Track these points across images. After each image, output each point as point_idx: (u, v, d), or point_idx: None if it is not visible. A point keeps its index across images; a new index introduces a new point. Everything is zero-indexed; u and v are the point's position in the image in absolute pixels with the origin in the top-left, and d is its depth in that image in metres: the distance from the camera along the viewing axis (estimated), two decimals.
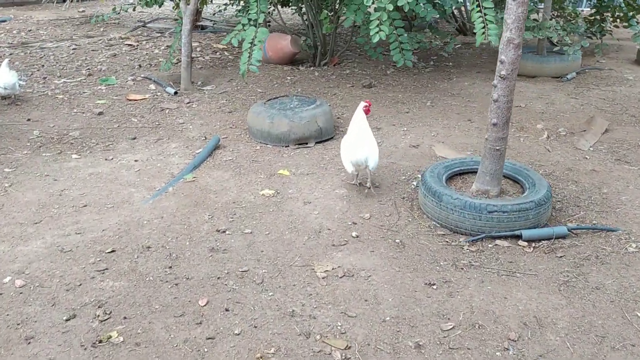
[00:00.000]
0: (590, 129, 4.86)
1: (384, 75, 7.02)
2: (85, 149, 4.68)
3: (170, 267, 3.01)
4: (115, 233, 3.36)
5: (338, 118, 5.35)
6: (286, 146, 4.72)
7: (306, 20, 7.76)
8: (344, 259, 3.08)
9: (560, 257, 3.10)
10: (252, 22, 5.27)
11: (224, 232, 3.38)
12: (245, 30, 5.22)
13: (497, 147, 3.48)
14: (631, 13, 7.18)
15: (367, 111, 3.82)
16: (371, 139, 3.77)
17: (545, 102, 5.77)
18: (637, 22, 7.06)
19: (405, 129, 5.10)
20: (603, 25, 7.80)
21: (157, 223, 3.48)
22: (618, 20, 7.54)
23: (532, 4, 7.15)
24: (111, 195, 3.85)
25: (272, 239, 3.31)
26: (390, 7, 4.70)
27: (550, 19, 6.84)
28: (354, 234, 3.34)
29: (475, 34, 4.67)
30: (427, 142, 4.76)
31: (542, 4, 7.07)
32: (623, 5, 7.25)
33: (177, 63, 7.11)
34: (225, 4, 9.12)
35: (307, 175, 4.17)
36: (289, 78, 6.86)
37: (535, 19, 7.08)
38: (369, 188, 3.83)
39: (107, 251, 3.16)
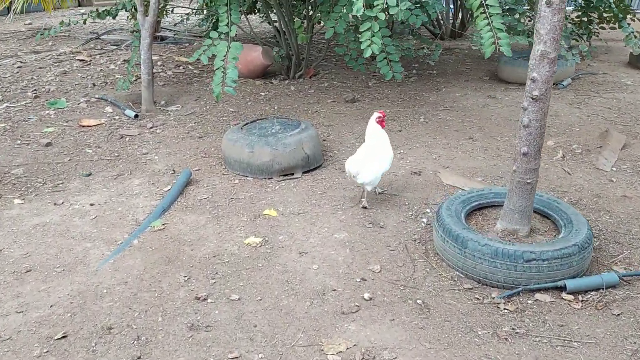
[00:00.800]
0: (607, 145, 4.42)
1: (366, 87, 6.48)
2: (30, 190, 3.97)
3: (139, 358, 2.37)
4: (66, 309, 2.69)
5: (324, 140, 4.77)
6: (269, 178, 4.11)
7: (278, 28, 7.17)
8: (360, 333, 2.50)
9: (618, 315, 2.59)
10: (223, 36, 4.65)
11: (205, 299, 2.76)
12: (215, 45, 4.60)
13: (528, 180, 2.96)
14: (621, 14, 6.84)
15: (381, 123, 3.63)
16: (372, 158, 3.55)
17: (550, 113, 5.31)
18: (628, 24, 6.72)
19: (401, 151, 4.55)
20: (590, 27, 7.46)
21: (120, 291, 2.83)
22: (605, 21, 7.21)
23: (520, 6, 6.74)
24: (61, 253, 3.18)
25: (266, 306, 2.70)
26: (382, 16, 4.16)
27: None
28: (366, 295, 2.75)
29: (462, 38, 4.21)
30: (429, 167, 4.23)
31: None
32: (613, 5, 6.89)
33: (136, 80, 6.41)
34: (188, 14, 8.45)
35: (298, 215, 3.57)
36: (263, 94, 6.25)
37: (520, 21, 6.67)
38: (364, 207, 3.65)
39: (56, 337, 2.50)
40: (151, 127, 5.20)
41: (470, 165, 4.24)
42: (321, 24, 6.99)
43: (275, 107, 5.76)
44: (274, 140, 4.09)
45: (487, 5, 3.97)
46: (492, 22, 3.97)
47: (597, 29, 7.50)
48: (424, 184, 3.96)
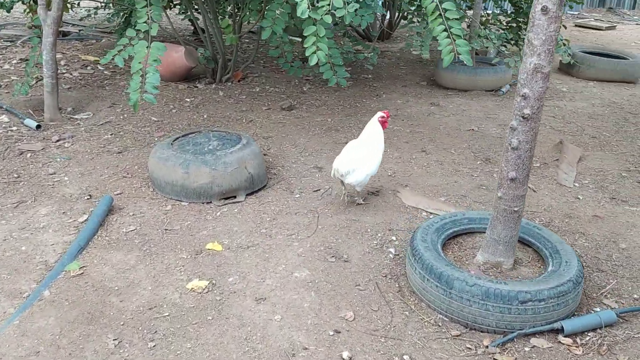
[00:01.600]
0: (564, 158, 4.29)
1: (302, 93, 6.06)
2: None
3: None
4: None
5: (265, 155, 4.29)
6: (208, 202, 3.58)
7: (202, 27, 6.58)
8: None
9: None
10: (141, 35, 4.03)
11: None
12: (133, 45, 3.98)
13: (515, 208, 2.67)
14: None
15: (383, 124, 3.57)
16: (364, 157, 3.46)
17: (497, 123, 5.17)
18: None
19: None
20: (520, 33, 7.50)
21: None
22: None
23: (459, 10, 6.59)
24: None
25: None
26: (329, 19, 3.75)
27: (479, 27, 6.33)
28: (344, 354, 2.33)
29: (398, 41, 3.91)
30: (386, 185, 3.88)
31: (471, 10, 6.56)
32: None
33: (36, 83, 5.57)
34: (97, 7, 7.61)
35: (248, 249, 3.08)
36: (188, 100, 5.65)
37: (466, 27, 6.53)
38: (359, 203, 3.62)
39: None
40: (58, 141, 4.47)
41: (430, 182, 3.93)
42: (249, 23, 6.50)
43: (205, 116, 5.19)
44: (212, 158, 3.56)
45: (444, 9, 3.67)
46: (449, 28, 3.68)
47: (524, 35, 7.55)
48: (384, 205, 3.60)
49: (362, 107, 5.62)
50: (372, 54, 6.13)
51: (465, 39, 3.71)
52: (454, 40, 3.65)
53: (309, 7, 3.61)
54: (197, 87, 6.16)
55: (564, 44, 6.84)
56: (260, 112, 5.35)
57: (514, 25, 7.46)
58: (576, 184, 3.95)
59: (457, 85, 6.31)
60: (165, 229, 3.27)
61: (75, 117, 5.05)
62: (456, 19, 3.72)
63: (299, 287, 2.75)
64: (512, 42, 7.40)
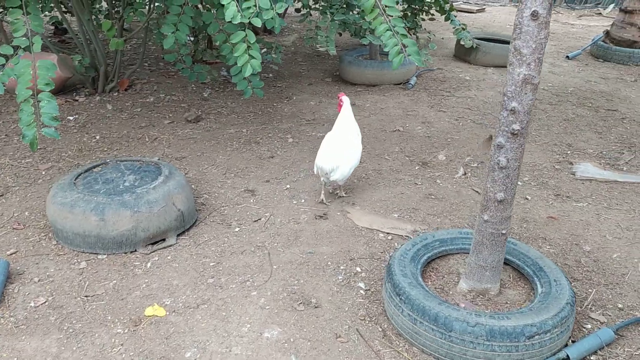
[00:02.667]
0: None
1: (203, 100, 5.51)
2: None
3: None
4: None
5: None
6: (132, 251, 3.02)
7: (76, 30, 5.74)
8: None
9: None
10: (21, 52, 3.30)
11: None
12: (13, 65, 3.24)
13: (503, 231, 2.48)
14: (448, 5, 6.93)
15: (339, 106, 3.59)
16: (345, 149, 3.41)
17: (420, 120, 5.03)
18: (455, 16, 6.85)
19: (288, 186, 3.79)
20: (416, 19, 7.49)
21: None
22: (426, 13, 7.27)
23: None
24: None
25: None
26: (258, 22, 3.31)
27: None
28: None
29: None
30: (332, 205, 3.55)
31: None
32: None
33: None
34: None
35: (198, 308, 2.60)
36: (71, 118, 4.88)
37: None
38: (340, 196, 3.63)
39: None
40: None
41: (375, 197, 3.67)
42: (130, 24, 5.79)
43: (97, 137, 4.49)
44: (132, 198, 2.99)
45: (384, 6, 3.39)
46: (393, 26, 3.41)
47: (420, 22, 7.56)
48: (337, 231, 3.27)
49: (275, 112, 5.21)
50: (276, 53, 5.72)
51: (411, 38, 3.47)
52: (401, 40, 3.39)
53: (238, 11, 3.13)
54: (77, 100, 5.36)
55: (463, 29, 6.92)
56: (163, 127, 4.75)
57: (409, 13, 7.44)
58: (519, 183, 3.90)
59: (364, 81, 6.12)
60: (86, 296, 2.67)
61: None
62: (398, 16, 3.46)
63: (275, 352, 2.35)
64: (412, 30, 7.39)
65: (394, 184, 3.85)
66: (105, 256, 2.97)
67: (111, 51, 5.65)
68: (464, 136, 4.67)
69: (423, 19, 7.43)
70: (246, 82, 4.43)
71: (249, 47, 3.47)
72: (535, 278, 2.65)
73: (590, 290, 2.81)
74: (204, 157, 4.21)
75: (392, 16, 3.42)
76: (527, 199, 3.67)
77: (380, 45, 6.19)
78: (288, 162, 4.15)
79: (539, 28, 2.14)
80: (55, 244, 3.07)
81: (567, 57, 7.83)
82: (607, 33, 8.10)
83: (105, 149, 4.28)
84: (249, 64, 3.45)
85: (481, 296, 2.60)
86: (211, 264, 2.94)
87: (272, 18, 3.42)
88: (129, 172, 3.29)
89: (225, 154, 4.27)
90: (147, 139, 4.50)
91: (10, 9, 3.38)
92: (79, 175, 3.26)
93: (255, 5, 3.34)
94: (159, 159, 4.11)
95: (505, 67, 6.71)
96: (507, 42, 7.36)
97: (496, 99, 5.73)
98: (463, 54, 7.28)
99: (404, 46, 3.42)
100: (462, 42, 6.77)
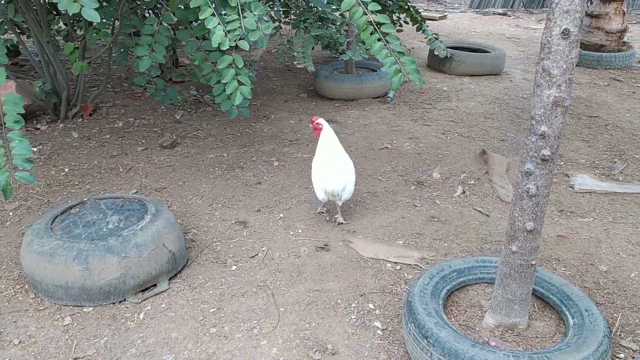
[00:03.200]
0: (493, 170, 4.14)
1: (176, 123, 5.23)
2: None
3: None
4: None
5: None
6: (122, 301, 2.75)
7: (34, 52, 5.38)
8: None
9: None
10: None
11: None
12: None
13: (533, 262, 2.35)
14: (419, 16, 6.87)
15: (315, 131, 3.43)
16: (344, 166, 3.39)
17: (406, 136, 4.89)
18: (427, 26, 6.79)
19: (281, 215, 3.58)
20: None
21: None
22: (394, 24, 7.21)
23: (332, 14, 6.23)
24: None
25: None
26: (245, 45, 3.11)
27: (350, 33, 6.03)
28: None
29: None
30: (332, 235, 3.35)
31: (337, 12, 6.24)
32: (411, 10, 6.86)
33: None
34: None
35: None
36: (35, 150, 4.53)
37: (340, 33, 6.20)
38: (339, 223, 3.48)
39: None
40: None
41: (376, 222, 3.49)
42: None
43: (66, 170, 4.17)
44: (118, 242, 2.72)
45: (377, 23, 3.23)
46: (389, 45, 3.26)
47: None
48: (341, 263, 3.08)
49: (254, 133, 4.99)
50: (252, 70, 5.50)
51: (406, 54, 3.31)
52: (399, 59, 3.24)
53: (225, 35, 2.92)
54: (38, 129, 5.01)
55: (436, 38, 6.86)
56: (137, 155, 4.46)
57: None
58: None
59: (342, 95, 5.97)
60: (76, 358, 2.39)
61: None
62: (392, 32, 3.32)
63: None
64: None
65: (393, 207, 3.68)
66: (91, 308, 2.69)
67: (72, 74, 5.32)
68: (455, 151, 4.56)
69: (400, 30, 7.36)
70: (230, 102, 4.22)
71: (237, 73, 3.26)
72: (564, 308, 2.51)
73: (615, 315, 2.70)
74: (186, 186, 3.95)
75: (387, 33, 3.27)
76: None
77: (353, 58, 6.08)
78: (277, 188, 3.93)
79: (570, 47, 2.01)
80: (34, 297, 2.77)
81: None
82: None
83: (76, 183, 3.98)
84: (239, 91, 3.24)
85: (510, 331, 2.45)
86: (211, 310, 2.70)
87: (259, 39, 3.24)
88: (111, 211, 3.02)
89: (209, 182, 4.02)
90: (121, 169, 4.21)
91: None
92: (55, 218, 2.97)
93: (240, 27, 3.14)
94: (137, 192, 3.85)
95: (480, 75, 6.71)
96: (480, 51, 7.37)
97: (478, 109, 5.66)
98: (437, 63, 7.23)
99: (402, 64, 3.27)
100: (436, 52, 6.73)
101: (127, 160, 4.37)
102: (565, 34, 1.98)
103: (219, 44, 2.98)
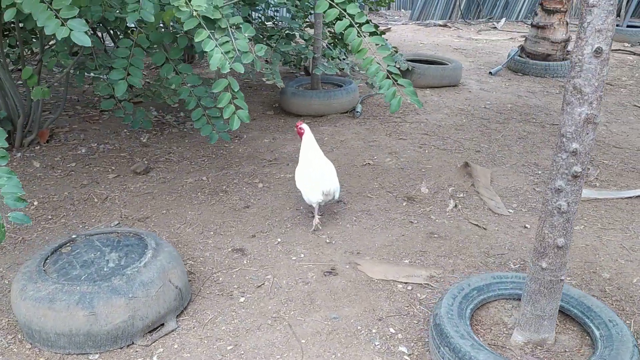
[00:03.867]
0: (478, 182, 4.20)
1: (144, 146, 5.02)
2: None
3: None
4: None
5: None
6: (129, 345, 2.57)
7: None
8: None
9: None
10: None
11: None
12: None
13: (562, 277, 2.37)
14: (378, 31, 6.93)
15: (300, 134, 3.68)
16: (327, 166, 3.60)
17: (386, 151, 4.90)
18: (387, 40, 6.86)
19: (279, 239, 3.48)
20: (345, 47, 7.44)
21: None
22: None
23: (299, 29, 6.19)
24: None
25: None
26: (240, 68, 3.01)
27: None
28: None
29: None
30: (337, 259, 3.28)
31: (312, 29, 6.22)
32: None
33: None
34: None
35: None
36: None
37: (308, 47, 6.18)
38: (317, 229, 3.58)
39: None
40: None
41: (377, 242, 3.45)
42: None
43: (35, 204, 3.90)
44: (123, 281, 2.55)
45: (369, 43, 3.21)
46: (385, 67, 3.25)
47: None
48: (352, 287, 3.01)
49: (230, 154, 4.85)
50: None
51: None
52: (396, 81, 3.23)
53: (225, 58, 2.81)
54: None
55: (396, 52, 6.95)
56: (109, 184, 4.23)
57: (337, 40, 7.36)
58: (510, 210, 3.87)
59: (310, 112, 5.92)
60: None
61: None
62: (388, 53, 3.31)
63: None
64: (341, 55, 7.30)
65: (390, 225, 3.66)
66: (97, 355, 2.50)
67: (25, 99, 5.00)
68: (436, 165, 4.60)
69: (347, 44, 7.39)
70: (210, 126, 4.11)
71: (233, 97, 3.16)
72: (587, 319, 2.55)
73: (628, 322, 2.77)
74: (171, 214, 3.78)
75: (381, 53, 3.26)
76: (526, 227, 3.64)
77: (321, 74, 6.07)
78: (267, 212, 3.83)
79: (602, 65, 2.05)
80: (30, 347, 2.54)
81: (490, 72, 8.15)
82: (522, 48, 8.55)
83: (50, 217, 3.72)
84: (236, 116, 3.14)
85: (539, 347, 2.47)
86: (228, 347, 2.56)
87: (255, 61, 3.16)
88: (108, 248, 2.83)
89: (194, 208, 3.86)
90: (95, 200, 3.97)
91: None
92: (46, 259, 2.75)
93: (234, 49, 3.05)
94: (118, 224, 3.64)
95: (440, 87, 6.85)
96: (439, 63, 7.52)
97: (448, 121, 5.76)
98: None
99: (400, 86, 3.26)
100: (397, 66, 6.82)
101: (100, 189, 4.14)
102: (598, 52, 2.02)
103: (218, 66, 2.87)
